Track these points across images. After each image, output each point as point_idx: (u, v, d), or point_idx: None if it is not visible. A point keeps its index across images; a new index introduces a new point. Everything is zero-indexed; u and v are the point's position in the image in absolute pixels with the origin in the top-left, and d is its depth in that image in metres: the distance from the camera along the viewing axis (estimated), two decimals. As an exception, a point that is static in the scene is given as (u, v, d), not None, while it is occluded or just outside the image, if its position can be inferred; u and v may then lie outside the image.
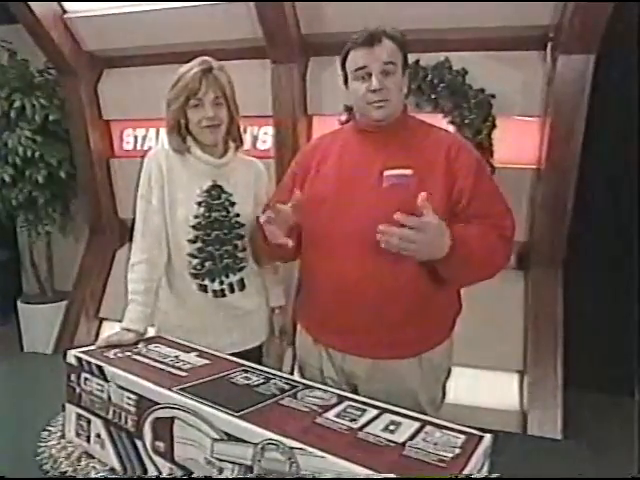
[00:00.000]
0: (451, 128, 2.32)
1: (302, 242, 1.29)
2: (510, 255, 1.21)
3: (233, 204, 1.40)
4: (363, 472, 0.68)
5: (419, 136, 1.23)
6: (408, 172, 1.15)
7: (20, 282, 3.82)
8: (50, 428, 1.14)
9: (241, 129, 1.46)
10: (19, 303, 3.37)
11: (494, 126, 2.31)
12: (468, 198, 1.15)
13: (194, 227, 1.36)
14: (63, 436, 1.10)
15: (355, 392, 1.25)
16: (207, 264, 1.37)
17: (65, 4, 2.77)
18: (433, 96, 2.36)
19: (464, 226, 1.13)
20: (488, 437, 0.81)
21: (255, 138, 2.85)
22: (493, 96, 2.30)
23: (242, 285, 1.41)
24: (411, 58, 1.23)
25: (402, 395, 1.18)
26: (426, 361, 1.23)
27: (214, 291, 1.38)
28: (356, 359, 1.24)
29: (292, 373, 1.56)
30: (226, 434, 0.81)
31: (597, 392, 2.62)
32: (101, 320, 3.22)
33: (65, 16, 2.79)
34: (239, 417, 0.81)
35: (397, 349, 1.21)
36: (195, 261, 1.37)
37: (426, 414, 1.17)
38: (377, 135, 1.22)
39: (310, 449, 0.73)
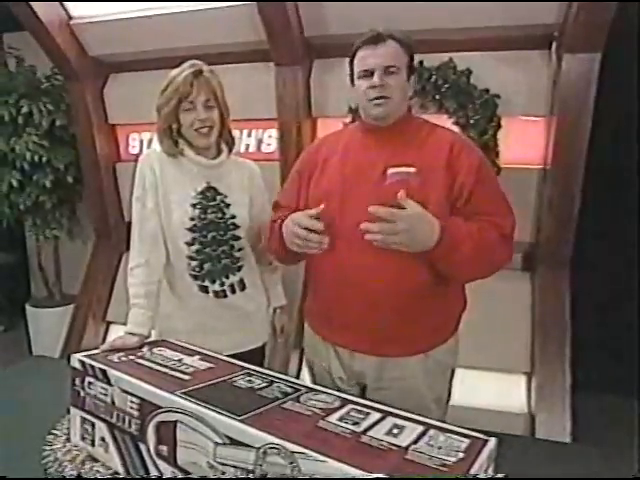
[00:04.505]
0: (456, 129, 2.31)
1: None
2: (511, 255, 1.21)
3: (228, 205, 1.41)
4: (365, 476, 0.68)
5: (422, 135, 1.24)
6: (411, 170, 1.16)
7: (29, 286, 3.86)
8: (56, 431, 1.15)
9: (232, 131, 1.47)
10: (28, 307, 3.40)
11: (499, 126, 2.30)
12: (469, 193, 1.16)
13: (190, 229, 1.36)
14: (68, 440, 1.11)
15: (364, 391, 1.27)
16: (206, 265, 1.38)
17: (71, 10, 2.79)
18: (437, 97, 2.35)
19: (461, 219, 1.14)
20: (492, 441, 0.80)
21: (260, 141, 2.86)
22: (498, 96, 2.29)
23: (242, 285, 1.42)
24: (415, 59, 1.24)
25: (410, 394, 1.20)
26: (433, 359, 1.23)
27: (215, 292, 1.39)
28: (364, 357, 1.23)
29: (298, 377, 1.56)
30: (228, 438, 0.81)
31: (606, 394, 2.58)
32: (108, 323, 3.24)
33: (71, 22, 2.82)
34: (241, 421, 0.81)
35: (402, 346, 1.21)
36: (194, 263, 1.38)
37: (433, 413, 1.18)
38: (380, 133, 1.24)
39: (312, 453, 0.72)
